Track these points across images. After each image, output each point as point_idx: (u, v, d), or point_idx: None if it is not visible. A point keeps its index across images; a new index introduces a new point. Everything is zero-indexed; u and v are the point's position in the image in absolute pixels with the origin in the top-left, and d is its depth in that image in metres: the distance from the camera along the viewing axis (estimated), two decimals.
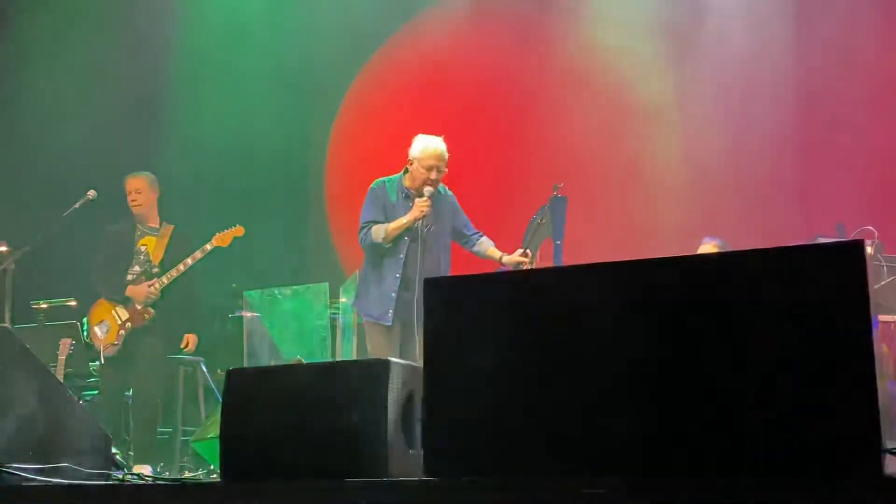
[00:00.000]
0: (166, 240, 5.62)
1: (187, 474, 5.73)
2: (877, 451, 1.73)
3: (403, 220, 4.69)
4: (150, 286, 5.43)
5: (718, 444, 1.85)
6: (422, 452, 2.17)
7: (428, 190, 4.72)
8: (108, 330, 5.47)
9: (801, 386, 1.81)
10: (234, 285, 7.10)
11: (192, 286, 5.61)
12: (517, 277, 3.11)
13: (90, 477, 2.72)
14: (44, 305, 6.48)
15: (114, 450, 2.98)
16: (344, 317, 6.38)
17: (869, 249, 4.92)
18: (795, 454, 1.78)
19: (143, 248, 5.59)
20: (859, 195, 6.29)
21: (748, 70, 6.94)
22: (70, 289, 6.59)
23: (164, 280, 5.44)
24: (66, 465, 2.70)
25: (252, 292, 6.81)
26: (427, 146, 4.77)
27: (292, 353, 6.45)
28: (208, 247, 5.54)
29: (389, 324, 4.68)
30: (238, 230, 5.63)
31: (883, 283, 5.01)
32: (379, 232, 4.70)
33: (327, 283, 6.63)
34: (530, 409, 2.03)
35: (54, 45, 7.45)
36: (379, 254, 4.76)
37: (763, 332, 1.86)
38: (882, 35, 6.63)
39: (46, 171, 7.29)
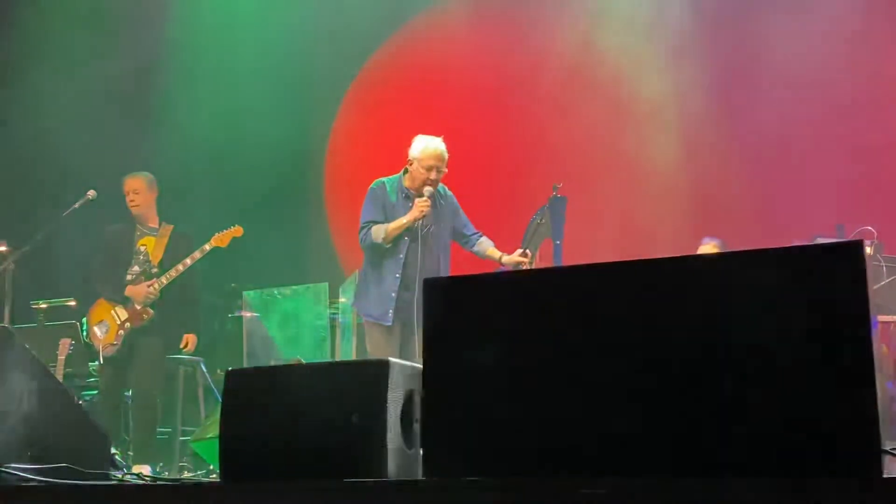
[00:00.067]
0: (165, 240, 5.62)
1: (186, 474, 5.73)
2: (876, 452, 1.73)
3: (403, 220, 4.69)
4: (149, 286, 5.43)
5: (718, 444, 1.85)
6: (421, 452, 2.17)
7: (428, 190, 4.72)
8: (107, 330, 5.47)
9: (801, 386, 1.81)
10: (233, 285, 7.11)
11: (191, 286, 5.61)
12: (517, 277, 3.11)
13: (89, 477, 2.72)
14: (43, 305, 6.48)
15: (113, 450, 2.97)
16: (343, 317, 6.38)
17: (868, 250, 4.92)
18: (795, 454, 1.78)
19: (142, 249, 5.59)
20: (859, 195, 6.30)
21: (748, 70, 6.95)
22: (69, 289, 6.60)
23: (164, 280, 5.45)
24: (65, 465, 2.70)
25: (251, 292, 6.82)
26: (427, 146, 4.77)
27: (292, 353, 6.45)
28: (207, 247, 5.55)
29: (390, 324, 4.68)
30: (237, 230, 5.63)
31: (882, 283, 5.01)
32: (379, 232, 4.70)
33: (327, 283, 6.63)
34: (530, 409, 2.03)
35: (54, 45, 7.45)
36: (379, 254, 4.76)
37: (762, 332, 1.86)
38: (882, 35, 6.63)
39: (46, 171, 7.29)
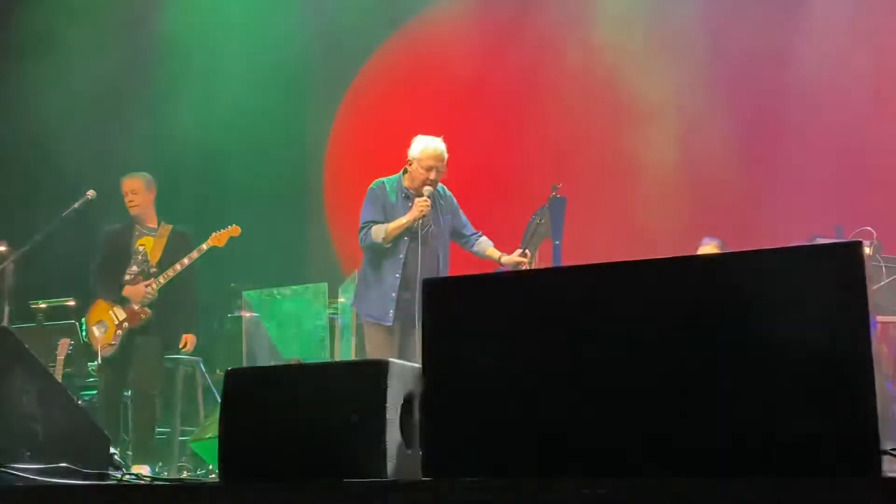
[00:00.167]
0: (164, 240, 5.62)
1: (186, 474, 5.74)
2: (876, 452, 1.73)
3: (403, 220, 4.69)
4: (146, 286, 5.43)
5: (717, 445, 1.85)
6: (420, 452, 2.17)
7: (427, 190, 4.72)
8: (105, 330, 5.47)
9: (800, 387, 1.81)
10: (232, 285, 7.11)
11: (190, 286, 5.61)
12: (516, 278, 3.11)
13: (89, 477, 2.72)
14: (42, 305, 6.48)
15: (112, 450, 2.97)
16: (343, 317, 6.38)
17: (868, 250, 4.92)
18: (794, 455, 1.79)
19: (140, 249, 5.59)
20: (858, 196, 6.30)
21: (747, 70, 6.95)
22: (69, 289, 6.60)
23: (161, 280, 5.45)
24: (64, 465, 2.70)
25: (251, 292, 6.82)
26: (426, 147, 4.78)
27: (291, 353, 6.46)
28: (204, 246, 5.55)
29: (390, 324, 4.68)
30: (234, 230, 5.63)
31: (881, 283, 5.02)
32: (379, 232, 4.71)
33: (326, 284, 6.63)
34: (529, 409, 2.03)
35: (52, 45, 7.44)
36: (378, 254, 4.76)
37: (761, 332, 1.86)
38: (882, 35, 6.64)
39: (45, 172, 7.29)
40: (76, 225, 5.83)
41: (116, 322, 5.45)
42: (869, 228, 5.02)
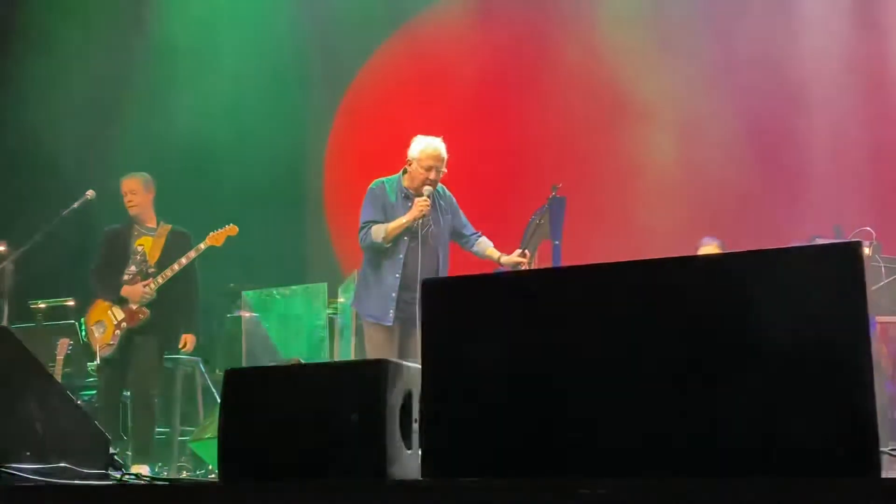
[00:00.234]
0: (163, 240, 5.62)
1: (185, 474, 5.74)
2: (875, 452, 1.74)
3: (403, 220, 4.69)
4: (144, 286, 5.43)
5: (717, 445, 1.85)
6: (420, 453, 2.17)
7: (427, 189, 4.73)
8: (104, 330, 5.48)
9: (799, 387, 1.81)
10: (232, 285, 7.11)
11: (190, 286, 5.61)
12: (516, 278, 3.11)
13: (88, 477, 2.72)
14: (42, 305, 6.48)
15: (112, 450, 2.97)
16: (342, 317, 6.38)
17: (867, 250, 4.93)
18: (793, 455, 1.79)
19: (139, 249, 5.59)
20: (857, 196, 6.30)
21: (746, 70, 6.95)
22: (68, 289, 6.60)
23: (159, 280, 5.45)
24: (64, 465, 2.69)
25: (250, 292, 6.82)
26: (426, 147, 4.78)
27: (290, 353, 6.46)
28: (202, 246, 5.55)
29: (390, 324, 4.68)
30: (232, 229, 5.63)
31: (881, 284, 5.02)
32: (379, 231, 4.71)
33: (325, 284, 6.63)
34: (529, 409, 2.03)
35: (53, 46, 7.44)
36: (378, 254, 4.76)
37: (761, 332, 1.87)
38: (882, 34, 6.64)
39: (45, 171, 7.29)
40: (76, 225, 5.83)
41: (115, 322, 5.45)
42: (868, 229, 5.02)
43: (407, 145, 4.85)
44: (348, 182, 7.13)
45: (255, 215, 7.06)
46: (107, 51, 7.56)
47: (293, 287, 6.76)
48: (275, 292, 6.77)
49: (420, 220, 4.70)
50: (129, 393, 5.60)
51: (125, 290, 5.46)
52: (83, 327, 5.80)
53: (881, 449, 1.75)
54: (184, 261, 5.48)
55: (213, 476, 5.05)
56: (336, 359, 6.11)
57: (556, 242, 4.78)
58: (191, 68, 7.72)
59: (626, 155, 7.03)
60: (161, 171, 6.07)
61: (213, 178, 7.74)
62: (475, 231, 5.01)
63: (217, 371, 6.50)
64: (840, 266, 1.84)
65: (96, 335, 5.48)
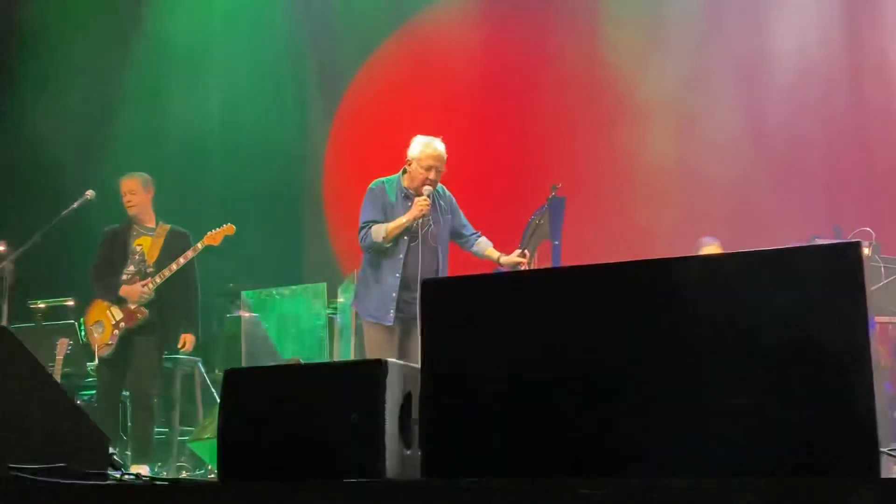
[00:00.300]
0: (161, 240, 5.61)
1: (185, 474, 5.74)
2: (874, 453, 1.73)
3: (403, 220, 4.69)
4: (143, 286, 5.43)
5: (717, 445, 1.85)
6: (419, 453, 2.17)
7: (427, 189, 4.72)
8: (102, 330, 5.47)
9: (798, 387, 1.81)
10: (231, 285, 7.11)
11: (189, 286, 5.61)
12: (515, 278, 3.11)
13: (88, 477, 2.71)
14: (41, 305, 6.48)
15: (111, 450, 2.97)
16: (342, 317, 6.38)
17: (867, 250, 4.93)
18: (793, 455, 1.79)
19: (138, 248, 5.59)
20: (857, 196, 6.31)
21: (747, 70, 6.96)
22: (68, 289, 6.60)
23: (157, 280, 5.44)
24: (63, 465, 2.69)
25: (250, 292, 6.82)
26: (425, 147, 4.78)
27: (290, 353, 6.46)
28: (199, 246, 5.55)
29: (391, 324, 4.68)
30: (229, 229, 5.62)
31: (880, 284, 5.02)
32: (379, 231, 4.70)
33: (325, 284, 6.63)
34: (528, 409, 2.03)
35: (52, 46, 7.44)
36: (378, 254, 4.76)
37: (760, 333, 1.87)
38: (882, 34, 6.64)
39: (44, 171, 7.29)
40: (75, 225, 5.83)
41: (113, 322, 5.45)
42: (868, 229, 5.03)
43: (407, 145, 4.85)
44: (348, 182, 7.12)
45: (254, 215, 7.06)
46: (106, 51, 7.56)
47: (293, 287, 6.76)
48: (274, 292, 6.77)
49: (420, 220, 4.70)
50: (128, 393, 5.60)
51: (123, 290, 5.45)
52: (82, 327, 5.80)
53: (881, 449, 1.75)
54: (181, 260, 5.48)
55: (212, 476, 5.05)
56: (336, 359, 6.11)
57: (556, 242, 4.78)
58: (190, 68, 7.73)
59: (625, 155, 7.03)
60: (161, 170, 6.07)
61: (213, 178, 7.74)
62: (475, 231, 5.00)
63: (216, 371, 6.50)
64: (840, 266, 1.84)
65: (95, 335, 5.48)
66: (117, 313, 5.46)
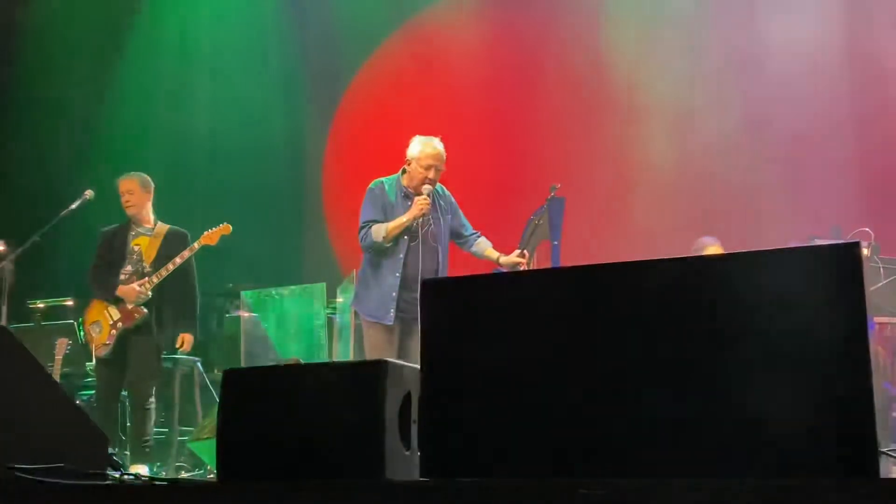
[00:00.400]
0: (159, 240, 5.61)
1: (184, 474, 5.73)
2: (873, 453, 1.74)
3: (403, 219, 4.69)
4: (140, 285, 5.43)
5: (717, 445, 1.85)
6: (419, 453, 2.17)
7: (427, 188, 4.73)
8: (100, 330, 5.47)
9: (798, 387, 1.81)
10: (230, 285, 7.11)
11: (188, 285, 5.61)
12: (515, 278, 3.11)
13: (87, 477, 2.71)
14: (40, 305, 6.48)
15: (110, 450, 2.97)
16: (341, 317, 6.38)
17: (865, 251, 4.93)
18: (793, 455, 1.79)
19: (136, 248, 5.58)
20: (856, 197, 6.31)
21: (746, 70, 6.96)
22: (67, 289, 6.60)
23: (154, 279, 5.44)
24: (62, 465, 2.69)
25: (249, 292, 6.82)
26: (425, 146, 4.78)
27: (289, 353, 6.46)
28: (196, 245, 5.54)
29: (391, 324, 4.68)
30: (226, 228, 5.61)
31: (879, 284, 5.02)
32: (379, 231, 4.71)
33: (324, 283, 6.63)
34: (527, 409, 2.03)
35: (52, 46, 7.44)
36: (378, 254, 4.76)
37: (759, 333, 1.87)
38: (882, 34, 6.64)
39: (43, 171, 7.29)
40: (74, 225, 5.83)
41: (111, 322, 5.45)
42: (867, 229, 5.03)
43: (406, 145, 4.85)
44: (347, 182, 7.13)
45: (254, 215, 7.06)
46: (106, 51, 7.56)
47: (292, 287, 6.75)
48: (273, 292, 6.77)
49: (420, 220, 4.70)
50: (126, 393, 5.60)
51: (121, 290, 5.45)
52: (81, 327, 5.80)
53: (880, 449, 1.75)
54: (178, 260, 5.47)
55: (211, 476, 5.05)
56: (335, 359, 6.11)
57: (555, 242, 4.78)
58: (191, 69, 7.73)
59: (625, 155, 7.03)
60: (160, 171, 6.07)
61: (213, 178, 7.74)
62: (474, 231, 5.01)
63: (216, 371, 6.49)
64: (839, 267, 1.84)
65: (93, 335, 5.48)
66: (115, 313, 5.45)
